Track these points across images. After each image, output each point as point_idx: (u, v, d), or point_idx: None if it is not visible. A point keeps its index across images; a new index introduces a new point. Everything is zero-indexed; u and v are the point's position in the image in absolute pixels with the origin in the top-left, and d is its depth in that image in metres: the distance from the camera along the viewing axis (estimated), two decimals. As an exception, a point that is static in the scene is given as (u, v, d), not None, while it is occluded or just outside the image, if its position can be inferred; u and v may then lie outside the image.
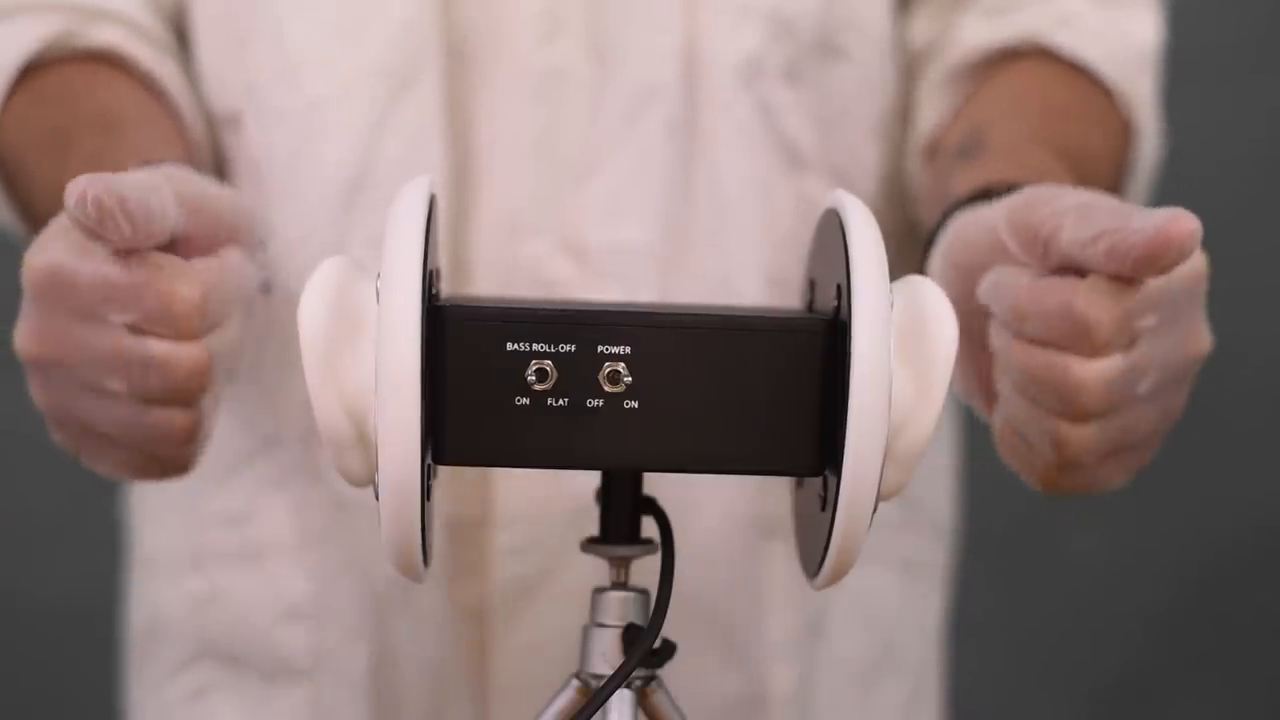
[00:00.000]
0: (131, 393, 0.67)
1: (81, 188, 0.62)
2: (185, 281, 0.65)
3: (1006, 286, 0.67)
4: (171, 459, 0.70)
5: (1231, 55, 1.81)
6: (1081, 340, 0.65)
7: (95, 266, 0.65)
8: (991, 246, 0.69)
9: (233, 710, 0.92)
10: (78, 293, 0.65)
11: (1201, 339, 0.69)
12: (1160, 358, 0.67)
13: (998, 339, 0.69)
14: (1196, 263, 0.67)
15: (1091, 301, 0.64)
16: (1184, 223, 0.62)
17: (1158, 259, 0.62)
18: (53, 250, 0.66)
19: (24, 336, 0.68)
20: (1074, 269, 0.66)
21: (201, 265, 0.67)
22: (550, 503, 0.87)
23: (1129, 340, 0.65)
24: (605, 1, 0.86)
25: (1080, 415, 0.66)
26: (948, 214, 0.77)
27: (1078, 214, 0.65)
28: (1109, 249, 0.63)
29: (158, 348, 0.66)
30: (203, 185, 0.70)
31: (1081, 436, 0.67)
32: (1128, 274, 0.64)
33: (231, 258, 0.69)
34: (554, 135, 0.87)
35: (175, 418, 0.67)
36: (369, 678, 0.90)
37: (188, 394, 0.67)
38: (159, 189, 0.65)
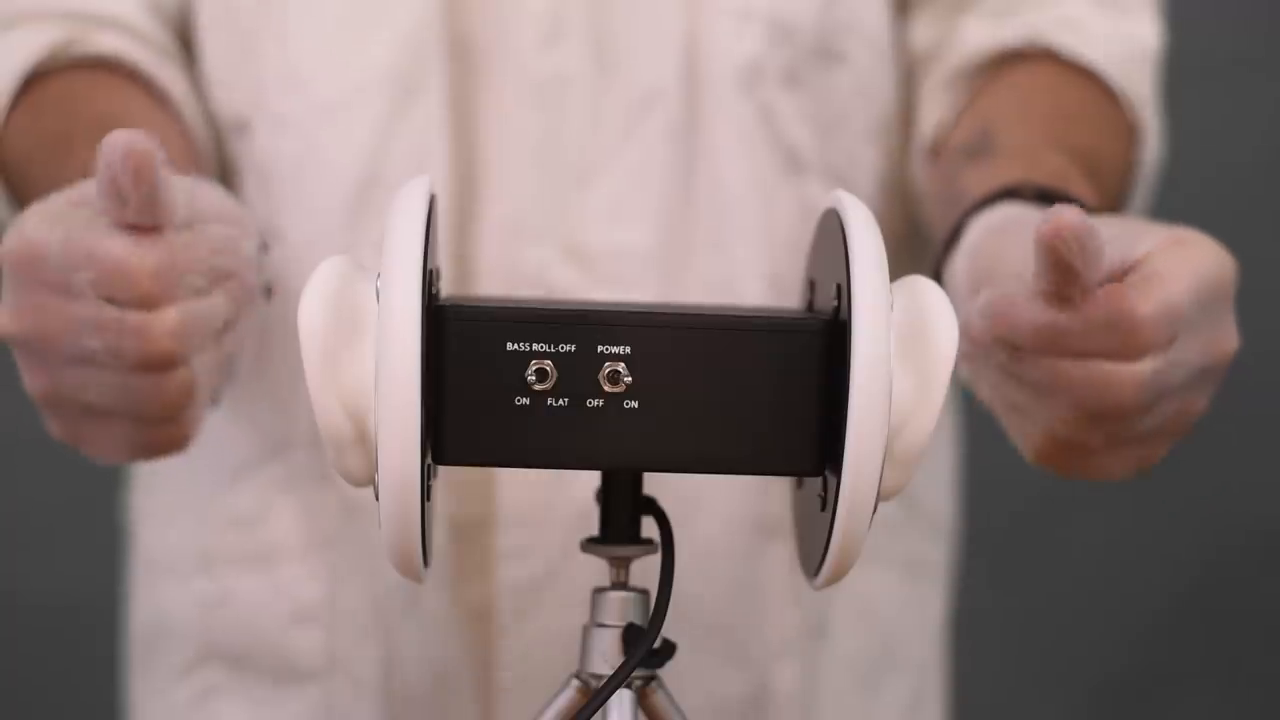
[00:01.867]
0: (113, 359, 0.66)
1: (123, 143, 0.62)
2: (140, 249, 0.65)
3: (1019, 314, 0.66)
4: (167, 431, 0.69)
5: (1232, 59, 1.81)
6: (1127, 345, 0.65)
7: (64, 233, 0.65)
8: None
9: (239, 713, 0.92)
10: (49, 263, 0.65)
11: (1229, 339, 0.69)
12: (1190, 356, 0.67)
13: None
14: (1226, 264, 0.68)
15: (1136, 302, 0.64)
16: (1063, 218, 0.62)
17: (1051, 254, 0.62)
18: (25, 228, 0.66)
19: (3, 316, 0.68)
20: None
21: (167, 240, 0.66)
22: (553, 504, 0.87)
23: (1168, 340, 0.66)
24: (607, 6, 0.87)
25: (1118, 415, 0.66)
26: (968, 214, 0.77)
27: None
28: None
29: (131, 316, 0.65)
30: (211, 193, 0.70)
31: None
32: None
33: (211, 231, 0.68)
34: (556, 139, 0.87)
35: (163, 381, 0.67)
36: (378, 680, 0.90)
37: (168, 358, 0.66)
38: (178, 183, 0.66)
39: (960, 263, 0.75)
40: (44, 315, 0.66)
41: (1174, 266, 0.66)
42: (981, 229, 0.75)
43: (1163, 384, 0.66)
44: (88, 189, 0.67)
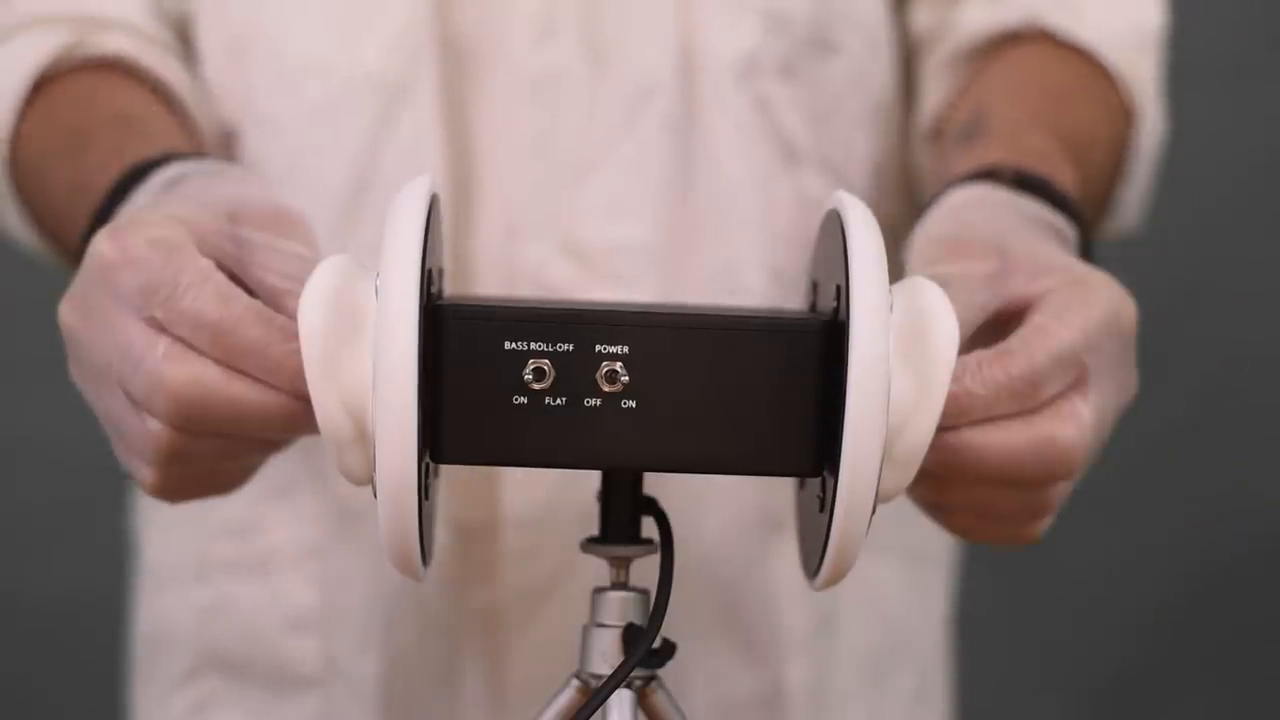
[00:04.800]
0: (125, 390, 0.64)
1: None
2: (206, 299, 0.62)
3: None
4: (146, 478, 0.66)
5: (1235, 60, 1.81)
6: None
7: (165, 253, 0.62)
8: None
9: None
10: (119, 273, 0.63)
11: (1133, 386, 0.69)
12: (1109, 408, 0.67)
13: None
14: (1129, 313, 0.68)
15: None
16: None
17: None
18: (127, 240, 0.63)
19: (64, 307, 0.66)
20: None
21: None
22: (559, 505, 0.87)
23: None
24: (600, 1, 0.87)
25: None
26: (944, 190, 0.77)
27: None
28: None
29: (160, 348, 0.62)
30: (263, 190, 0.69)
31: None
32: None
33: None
34: (552, 136, 0.87)
35: (159, 433, 0.63)
36: (378, 686, 0.90)
37: (166, 414, 0.62)
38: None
39: (917, 233, 0.74)
40: (91, 320, 0.64)
41: (1066, 314, 0.65)
42: (941, 208, 0.75)
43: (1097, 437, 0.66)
44: (194, 207, 0.65)
